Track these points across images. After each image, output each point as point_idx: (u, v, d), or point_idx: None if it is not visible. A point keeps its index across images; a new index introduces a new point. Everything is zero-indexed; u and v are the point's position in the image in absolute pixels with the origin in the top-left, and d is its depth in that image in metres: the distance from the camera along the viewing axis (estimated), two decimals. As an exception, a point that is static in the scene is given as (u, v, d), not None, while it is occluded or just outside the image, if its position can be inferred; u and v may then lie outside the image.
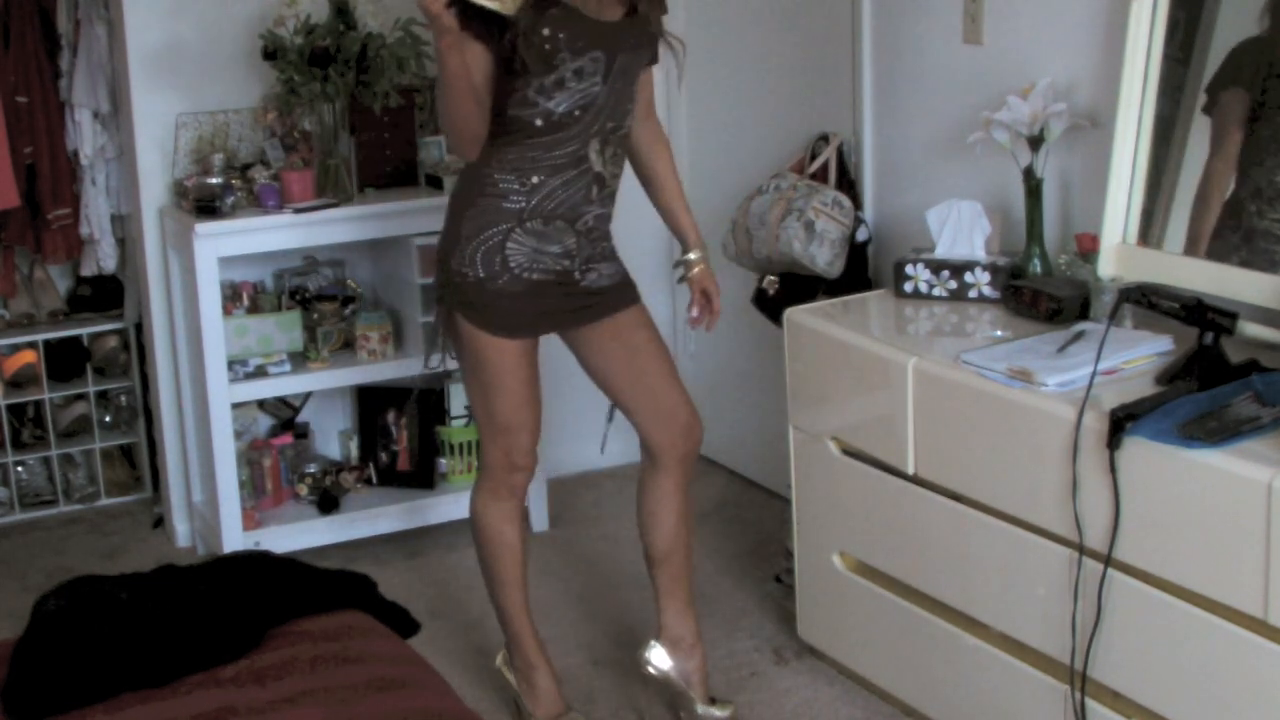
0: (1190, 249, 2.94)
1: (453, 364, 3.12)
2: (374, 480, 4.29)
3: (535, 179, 2.89)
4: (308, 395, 4.33)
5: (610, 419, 3.23)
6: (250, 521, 4.00)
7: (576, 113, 2.87)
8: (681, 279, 3.17)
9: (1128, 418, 2.52)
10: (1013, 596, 2.83)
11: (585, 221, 2.95)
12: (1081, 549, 2.65)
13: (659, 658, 3.20)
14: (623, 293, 3.07)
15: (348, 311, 4.16)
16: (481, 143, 2.86)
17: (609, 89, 2.88)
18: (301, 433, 4.31)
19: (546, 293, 2.96)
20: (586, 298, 3.01)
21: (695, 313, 3.15)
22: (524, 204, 2.89)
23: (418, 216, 4.01)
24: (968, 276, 3.23)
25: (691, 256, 3.13)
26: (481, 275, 2.92)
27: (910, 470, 3.02)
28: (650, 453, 3.13)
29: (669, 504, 3.13)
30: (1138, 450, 2.52)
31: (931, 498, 2.98)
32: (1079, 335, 2.90)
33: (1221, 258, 2.87)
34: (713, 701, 3.22)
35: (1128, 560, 2.59)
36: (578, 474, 4.61)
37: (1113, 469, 2.55)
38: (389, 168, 4.11)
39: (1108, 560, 2.60)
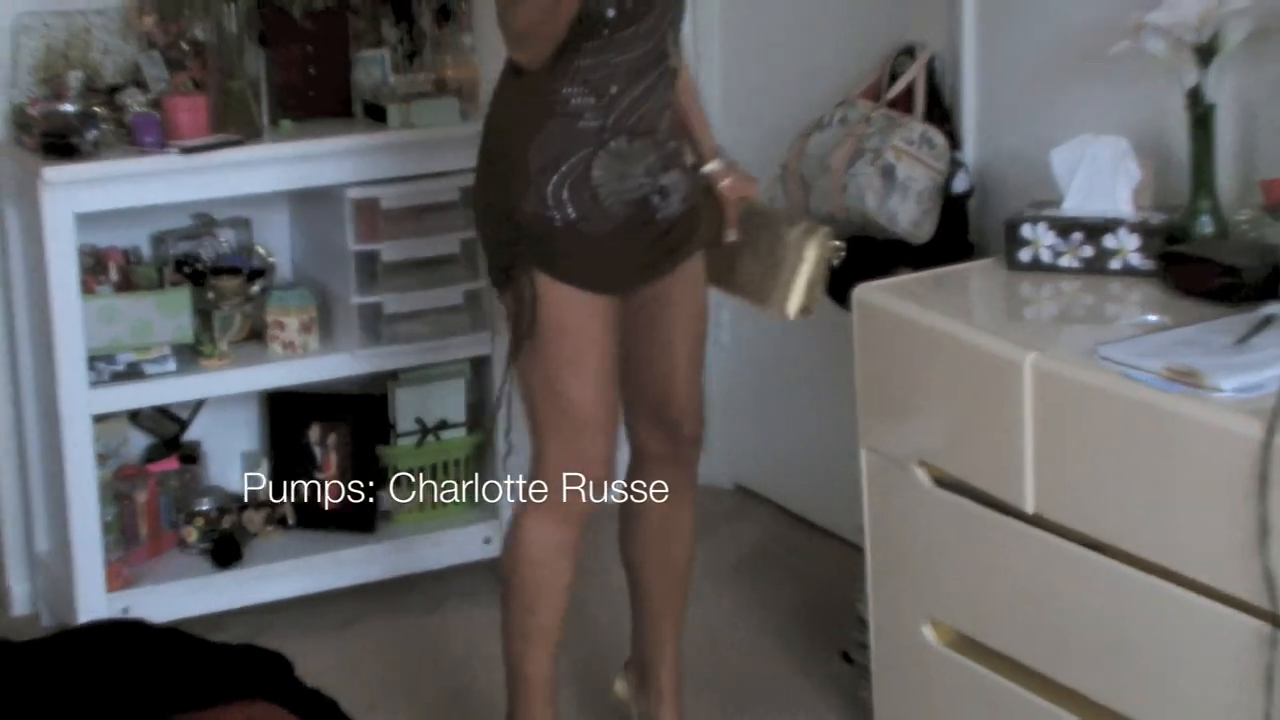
0: None
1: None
2: (290, 522, 4.31)
3: (614, 89, 3.14)
4: (199, 405, 4.34)
5: None
6: (117, 579, 4.01)
7: None
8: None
9: (1340, 437, 2.51)
10: (1176, 684, 2.82)
11: (662, 132, 3.23)
12: (1276, 619, 2.63)
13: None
14: (691, 225, 3.31)
15: (256, 289, 4.18)
16: (557, 42, 3.08)
17: None
18: (190, 456, 4.32)
19: (631, 231, 3.20)
20: (665, 238, 3.26)
21: (734, 235, 3.39)
22: (602, 121, 3.14)
23: (353, 159, 4.05)
24: (1108, 241, 3.24)
25: (707, 169, 3.40)
26: (573, 216, 3.15)
27: (1029, 508, 3.02)
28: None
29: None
30: (1353, 482, 2.51)
31: (1058, 546, 2.98)
32: (1267, 321, 2.89)
33: None
34: None
35: (1338, 635, 2.57)
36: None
37: (1318, 508, 2.53)
38: (313, 93, 4.16)
39: (1311, 635, 2.58)
